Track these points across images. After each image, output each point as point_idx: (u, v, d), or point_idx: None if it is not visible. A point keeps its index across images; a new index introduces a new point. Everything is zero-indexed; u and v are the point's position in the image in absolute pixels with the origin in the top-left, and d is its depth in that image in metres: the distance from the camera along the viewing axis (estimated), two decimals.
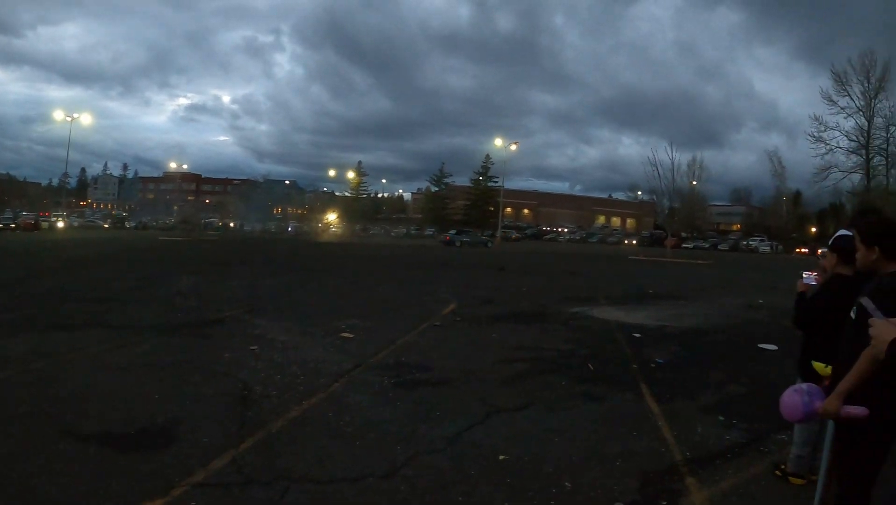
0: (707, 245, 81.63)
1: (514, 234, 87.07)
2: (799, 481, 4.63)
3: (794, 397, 3.41)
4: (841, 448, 3.37)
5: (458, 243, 60.30)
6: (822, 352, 3.90)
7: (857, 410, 3.09)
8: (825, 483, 3.65)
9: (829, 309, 4.20)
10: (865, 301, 2.43)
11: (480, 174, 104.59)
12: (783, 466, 4.82)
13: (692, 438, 5.65)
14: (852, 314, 3.31)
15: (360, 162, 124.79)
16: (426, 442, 5.27)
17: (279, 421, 5.69)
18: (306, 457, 4.87)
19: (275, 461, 4.76)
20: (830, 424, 3.48)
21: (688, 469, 4.89)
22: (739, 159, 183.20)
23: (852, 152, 64.70)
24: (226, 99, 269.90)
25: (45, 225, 64.91)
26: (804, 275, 4.55)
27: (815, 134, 64.99)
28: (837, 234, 4.34)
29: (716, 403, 6.84)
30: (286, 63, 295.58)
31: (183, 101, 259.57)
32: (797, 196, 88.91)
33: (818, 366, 3.75)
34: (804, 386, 3.44)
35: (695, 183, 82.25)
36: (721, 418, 6.24)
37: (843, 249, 4.16)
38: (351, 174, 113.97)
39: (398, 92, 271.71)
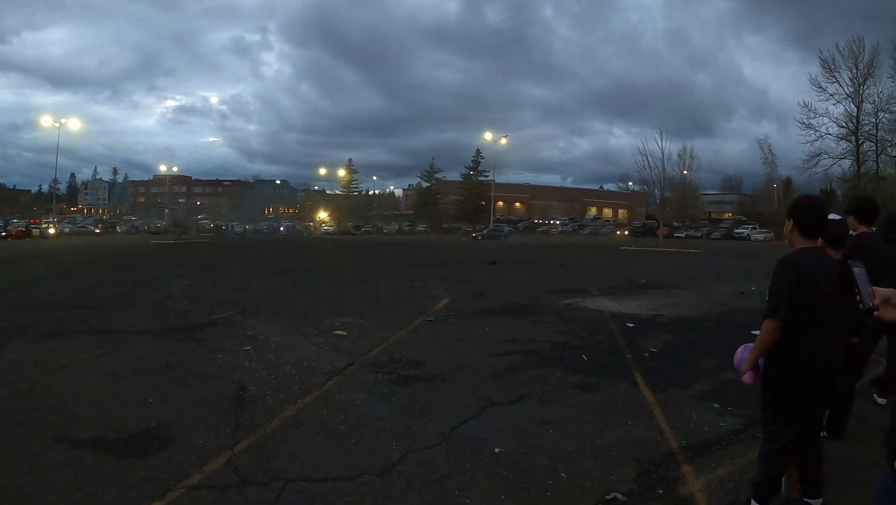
0: (699, 234, 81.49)
1: (506, 228, 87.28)
2: (793, 467, 4.64)
3: (740, 353, 4.05)
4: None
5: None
6: None
7: (746, 378, 3.94)
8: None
9: None
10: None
11: (471, 169, 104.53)
12: None
13: (687, 426, 5.65)
14: None
15: (350, 160, 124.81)
16: (421, 438, 5.28)
17: (274, 421, 5.69)
18: (302, 456, 4.87)
19: (270, 462, 4.76)
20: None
21: (684, 457, 4.89)
22: (730, 147, 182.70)
23: (842, 138, 64.87)
24: (214, 100, 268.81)
25: (36, 232, 64.73)
26: None
27: (805, 121, 65.13)
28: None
29: (710, 390, 6.84)
30: (274, 62, 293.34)
31: (171, 103, 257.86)
32: (788, 183, 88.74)
33: None
34: (751, 345, 3.91)
35: (686, 172, 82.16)
36: (716, 406, 6.24)
37: (830, 234, 4.23)
38: (342, 172, 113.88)
39: (387, 88, 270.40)
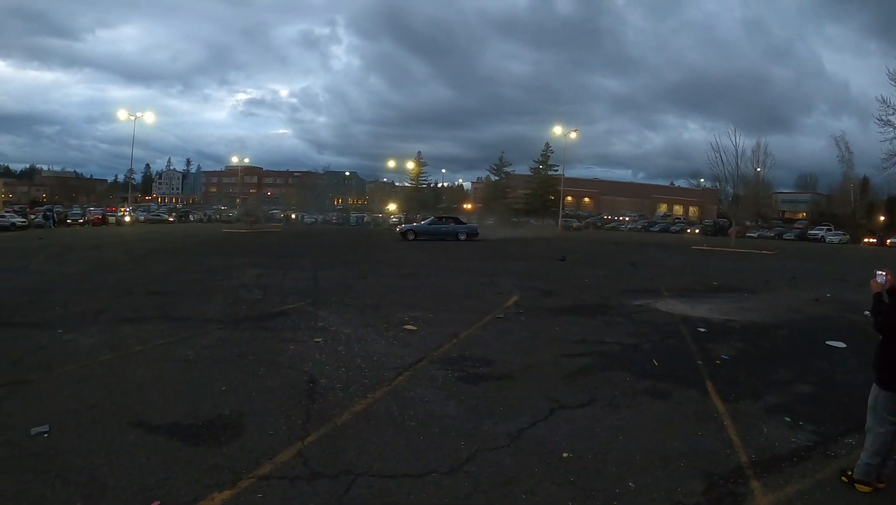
0: (772, 234, 79.18)
1: (576, 223, 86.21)
2: (865, 489, 4.51)
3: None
4: None
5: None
6: None
7: None
8: None
9: None
10: None
11: (540, 163, 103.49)
12: (850, 473, 4.68)
13: (758, 439, 5.54)
14: None
15: (419, 152, 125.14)
16: (490, 438, 5.30)
17: (344, 414, 5.78)
18: (371, 451, 4.95)
19: (340, 455, 4.85)
20: None
21: (753, 472, 4.81)
22: (808, 144, 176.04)
23: None
24: (284, 93, 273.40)
25: (112, 220, 66.94)
26: (877, 274, 4.44)
27: (883, 117, 62.02)
28: None
29: (782, 402, 6.67)
30: (343, 55, 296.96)
31: (242, 96, 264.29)
32: (864, 183, 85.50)
33: None
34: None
35: (759, 169, 79.72)
36: (787, 419, 6.09)
37: None
38: (410, 164, 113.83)
39: (456, 80, 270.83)
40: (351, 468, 4.61)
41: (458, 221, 43.66)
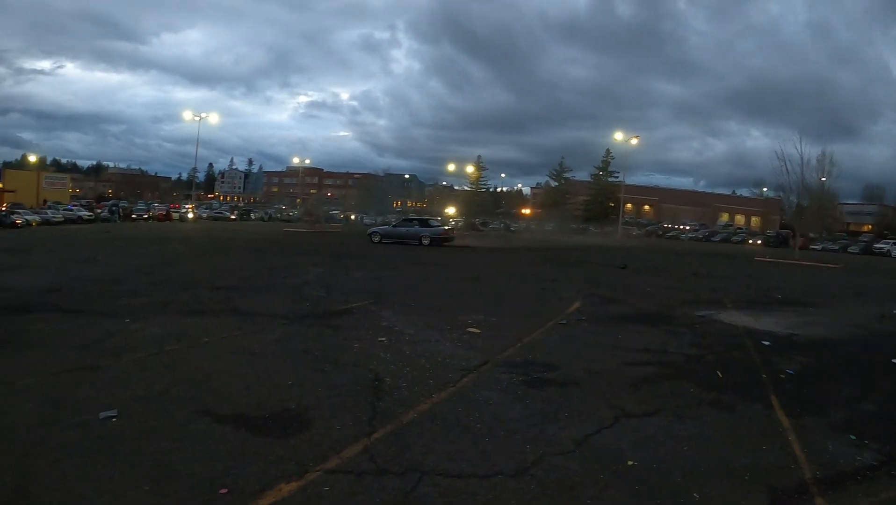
0: (836, 247, 77.04)
1: (634, 231, 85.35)
2: None
3: None
4: None
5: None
6: None
7: None
8: None
9: None
10: None
11: (601, 169, 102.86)
12: None
13: (823, 456, 5.45)
14: None
15: (479, 156, 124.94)
16: (555, 443, 5.32)
17: (410, 413, 5.86)
18: (437, 451, 5.01)
19: (406, 453, 4.93)
20: None
21: (817, 489, 4.74)
22: (875, 153, 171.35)
23: None
24: (345, 96, 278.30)
25: (175, 216, 68.77)
26: None
27: None
28: None
29: (847, 420, 6.55)
30: (403, 59, 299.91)
31: (303, 98, 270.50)
32: None
33: None
34: None
35: (824, 179, 77.59)
36: (852, 437, 5.97)
37: None
38: (470, 168, 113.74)
39: (517, 85, 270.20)
40: (417, 466, 4.68)
41: (424, 224, 37.86)
